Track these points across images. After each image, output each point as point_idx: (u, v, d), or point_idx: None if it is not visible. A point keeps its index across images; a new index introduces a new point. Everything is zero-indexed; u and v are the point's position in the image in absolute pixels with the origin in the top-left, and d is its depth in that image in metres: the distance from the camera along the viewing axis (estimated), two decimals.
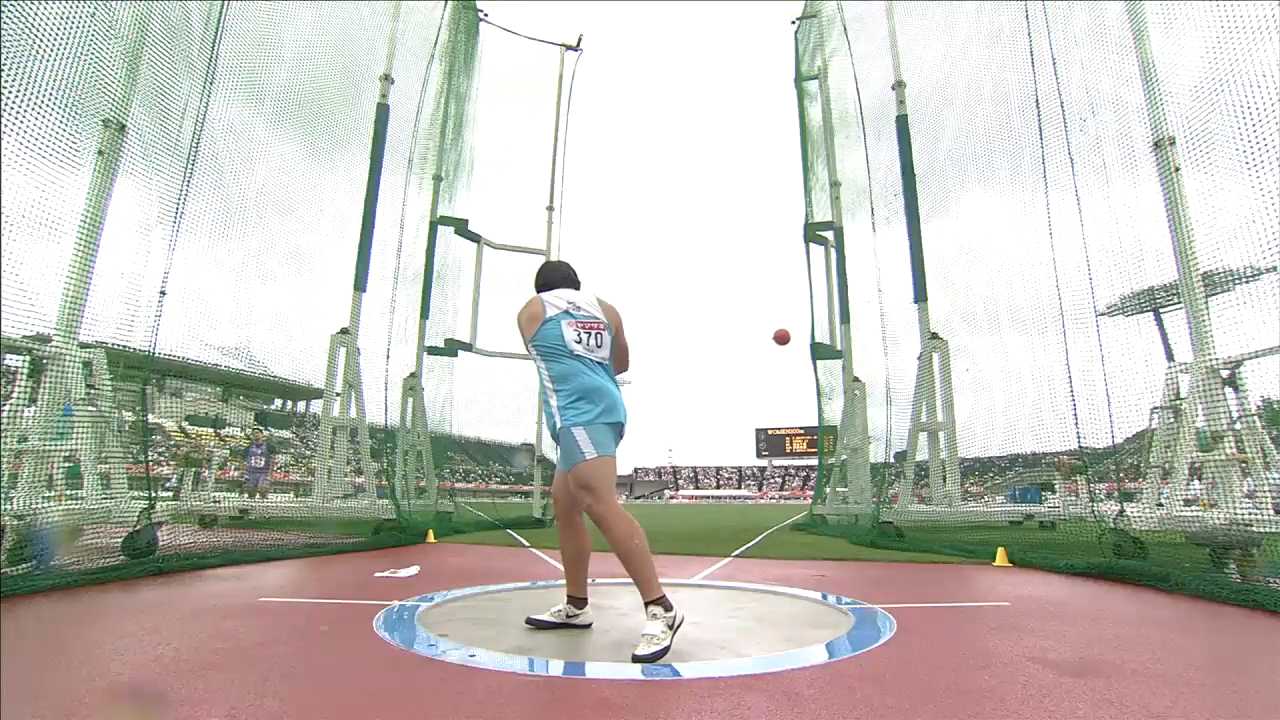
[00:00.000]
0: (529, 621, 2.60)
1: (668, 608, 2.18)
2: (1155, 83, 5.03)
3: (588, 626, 2.61)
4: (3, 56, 3.75)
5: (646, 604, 2.21)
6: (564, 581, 2.68)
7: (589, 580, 2.70)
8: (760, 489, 77.96)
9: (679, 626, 2.19)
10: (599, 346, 2.60)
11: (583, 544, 2.67)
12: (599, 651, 2.21)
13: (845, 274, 10.08)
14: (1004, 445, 6.95)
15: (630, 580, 2.27)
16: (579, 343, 2.55)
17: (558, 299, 2.66)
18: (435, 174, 9.72)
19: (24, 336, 4.09)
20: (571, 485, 2.48)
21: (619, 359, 2.80)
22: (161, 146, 5.11)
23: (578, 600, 2.63)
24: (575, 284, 2.84)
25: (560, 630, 2.54)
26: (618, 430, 2.53)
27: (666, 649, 2.08)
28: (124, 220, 4.77)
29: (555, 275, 2.85)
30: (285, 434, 38.77)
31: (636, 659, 2.02)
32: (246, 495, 11.25)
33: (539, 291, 2.77)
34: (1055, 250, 5.49)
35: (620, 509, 2.38)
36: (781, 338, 4.10)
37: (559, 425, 2.48)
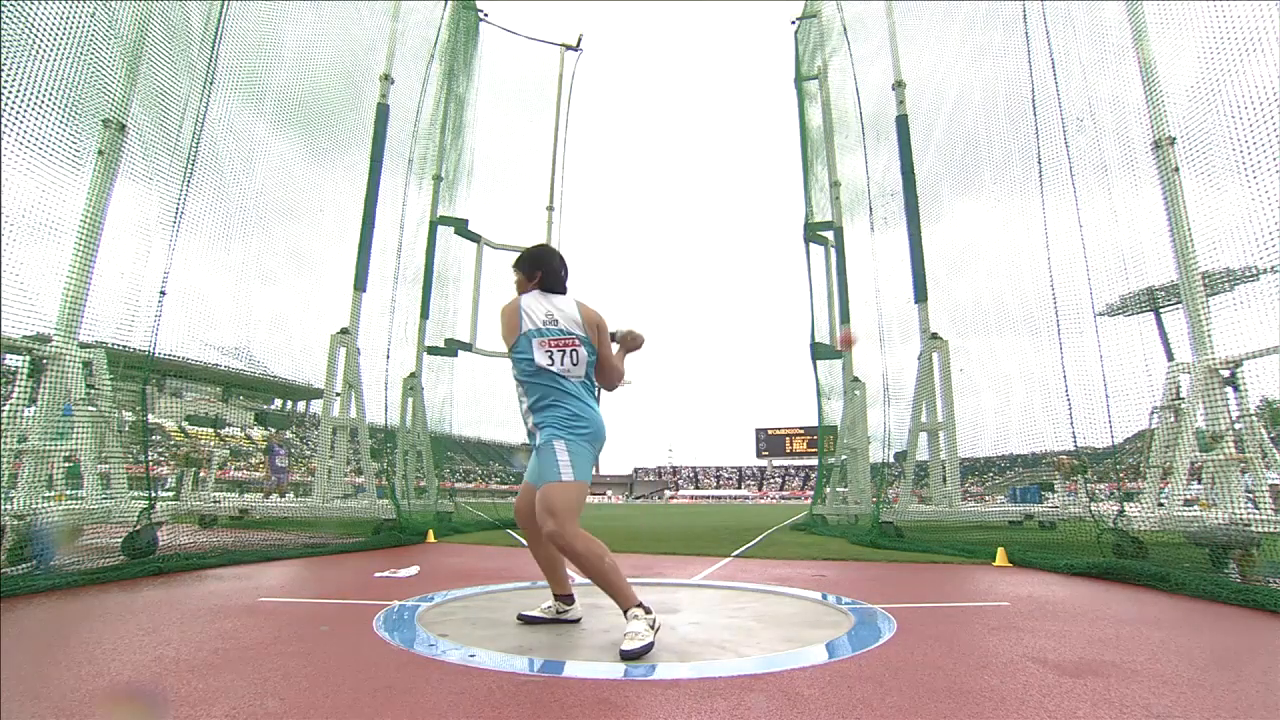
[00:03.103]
0: (520, 617, 2.62)
1: (647, 610, 2.22)
2: (1154, 82, 5.04)
3: (577, 621, 2.64)
4: (3, 56, 3.75)
5: (626, 610, 2.22)
6: None
7: (572, 579, 2.70)
8: (760, 489, 77.89)
9: (658, 628, 2.21)
10: (575, 365, 2.42)
11: (553, 550, 2.55)
12: (599, 651, 2.21)
13: (845, 274, 10.08)
14: (1004, 445, 6.95)
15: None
16: (551, 364, 2.39)
17: (537, 308, 2.45)
18: (435, 174, 9.72)
19: (24, 336, 4.09)
20: (537, 504, 2.31)
21: (605, 374, 2.59)
22: (161, 147, 5.12)
23: (565, 598, 2.65)
24: (563, 285, 2.59)
25: (558, 629, 2.55)
26: (597, 452, 2.41)
27: (651, 645, 2.11)
28: (124, 221, 4.78)
29: (549, 268, 2.57)
30: (285, 434, 38.80)
31: (625, 654, 2.04)
32: (263, 495, 11.27)
33: (527, 279, 2.55)
34: (1052, 250, 5.50)
35: (582, 532, 2.26)
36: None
37: (538, 440, 2.36)
